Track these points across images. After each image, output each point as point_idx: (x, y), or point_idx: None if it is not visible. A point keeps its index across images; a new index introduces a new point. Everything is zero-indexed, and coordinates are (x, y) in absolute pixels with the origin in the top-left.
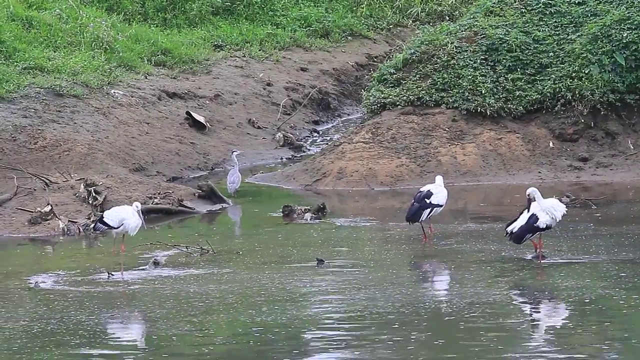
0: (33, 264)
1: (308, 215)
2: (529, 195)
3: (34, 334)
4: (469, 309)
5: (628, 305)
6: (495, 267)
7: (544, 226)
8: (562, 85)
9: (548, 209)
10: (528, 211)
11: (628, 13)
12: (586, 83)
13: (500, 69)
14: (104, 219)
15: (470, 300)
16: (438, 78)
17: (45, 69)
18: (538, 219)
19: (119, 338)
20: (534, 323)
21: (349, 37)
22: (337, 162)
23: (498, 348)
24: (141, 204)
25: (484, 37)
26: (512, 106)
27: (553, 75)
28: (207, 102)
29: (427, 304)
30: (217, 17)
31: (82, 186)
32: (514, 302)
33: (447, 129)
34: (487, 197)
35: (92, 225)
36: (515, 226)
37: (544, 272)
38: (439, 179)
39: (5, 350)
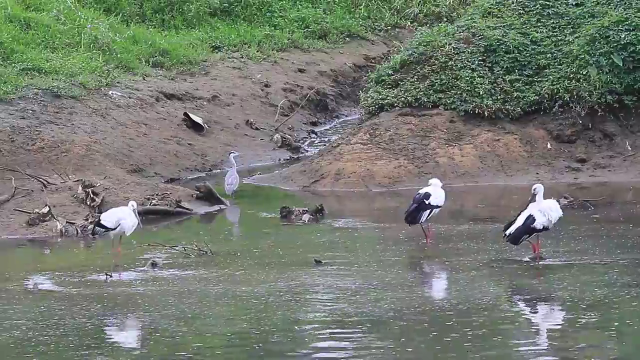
0: (31, 265)
1: (306, 217)
2: (534, 190)
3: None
4: (468, 310)
5: (627, 307)
6: (492, 269)
7: (541, 227)
8: (560, 86)
9: (545, 210)
10: (533, 203)
11: (626, 14)
12: (584, 84)
13: (498, 70)
14: (101, 222)
15: (469, 301)
16: (436, 79)
17: (43, 70)
18: (535, 220)
19: (121, 341)
20: (532, 324)
21: (347, 39)
22: (335, 164)
23: (496, 348)
24: (139, 205)
25: (481, 38)
26: (509, 107)
27: (551, 77)
28: (205, 103)
29: (426, 305)
30: (214, 18)
31: (80, 187)
32: (511, 304)
33: (444, 130)
34: (484, 198)
35: (91, 229)
36: (513, 228)
37: (542, 273)
38: (434, 181)
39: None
